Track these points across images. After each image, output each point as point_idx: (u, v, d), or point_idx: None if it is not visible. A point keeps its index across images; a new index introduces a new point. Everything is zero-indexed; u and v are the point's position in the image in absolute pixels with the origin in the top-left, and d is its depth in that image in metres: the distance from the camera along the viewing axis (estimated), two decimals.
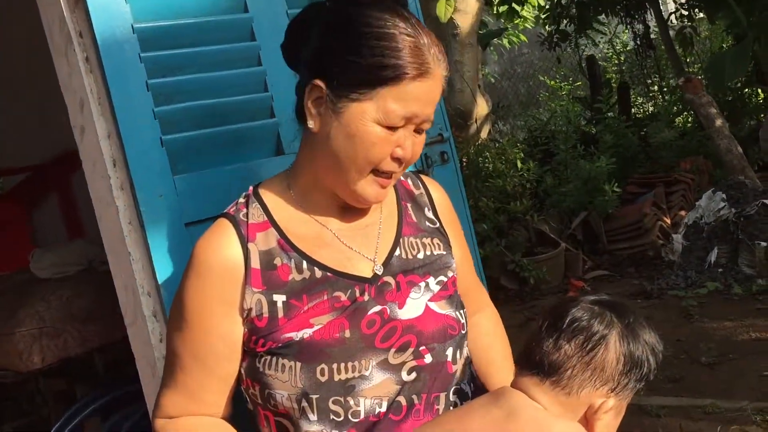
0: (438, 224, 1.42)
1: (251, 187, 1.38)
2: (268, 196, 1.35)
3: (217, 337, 1.27)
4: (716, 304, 4.67)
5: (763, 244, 4.76)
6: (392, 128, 1.23)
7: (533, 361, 1.17)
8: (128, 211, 1.56)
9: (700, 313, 4.57)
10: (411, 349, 1.26)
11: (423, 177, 1.49)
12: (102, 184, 1.57)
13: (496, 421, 1.13)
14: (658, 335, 1.25)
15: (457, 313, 1.34)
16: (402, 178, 1.43)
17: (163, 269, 1.55)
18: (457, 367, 1.32)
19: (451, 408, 1.29)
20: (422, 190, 1.45)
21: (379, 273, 1.30)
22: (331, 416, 1.22)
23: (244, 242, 1.29)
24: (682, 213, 6.03)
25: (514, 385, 1.20)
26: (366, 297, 1.27)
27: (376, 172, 1.26)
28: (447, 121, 2.17)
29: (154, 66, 1.56)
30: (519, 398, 1.17)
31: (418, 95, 1.21)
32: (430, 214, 1.42)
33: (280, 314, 1.24)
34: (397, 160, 1.26)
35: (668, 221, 6.07)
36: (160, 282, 1.55)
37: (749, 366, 3.58)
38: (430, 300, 1.31)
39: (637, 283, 5.39)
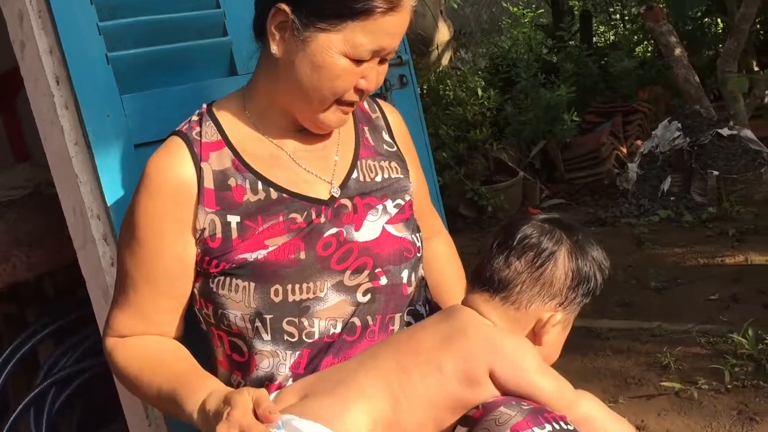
0: (395, 148, 1.41)
1: (204, 105, 1.34)
2: (223, 115, 1.31)
3: (170, 256, 1.25)
4: (667, 232, 4.78)
5: (715, 173, 4.86)
6: (359, 61, 1.21)
7: (484, 278, 1.19)
8: (74, 131, 1.50)
9: (651, 240, 4.68)
10: (367, 272, 1.26)
11: (379, 101, 1.46)
12: (45, 102, 1.50)
13: (445, 337, 1.14)
14: (610, 261, 1.27)
15: (414, 236, 1.34)
16: None
17: (113, 192, 1.51)
18: (412, 289, 1.32)
19: (400, 325, 1.29)
20: (379, 114, 1.42)
21: (336, 195, 1.28)
22: (285, 337, 1.23)
23: (197, 161, 1.26)
24: (638, 142, 6.11)
25: (464, 302, 1.22)
26: (322, 219, 1.26)
27: (339, 101, 1.25)
28: (407, 44, 2.13)
29: None
30: (468, 315, 1.19)
31: (387, 29, 1.19)
32: (387, 138, 1.40)
33: (234, 235, 1.23)
34: (360, 91, 1.25)
35: (624, 150, 6.15)
36: (109, 204, 1.51)
37: (696, 290, 3.70)
38: (387, 223, 1.31)
39: (592, 212, 5.49)
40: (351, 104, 1.27)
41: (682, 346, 3.02)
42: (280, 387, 1.23)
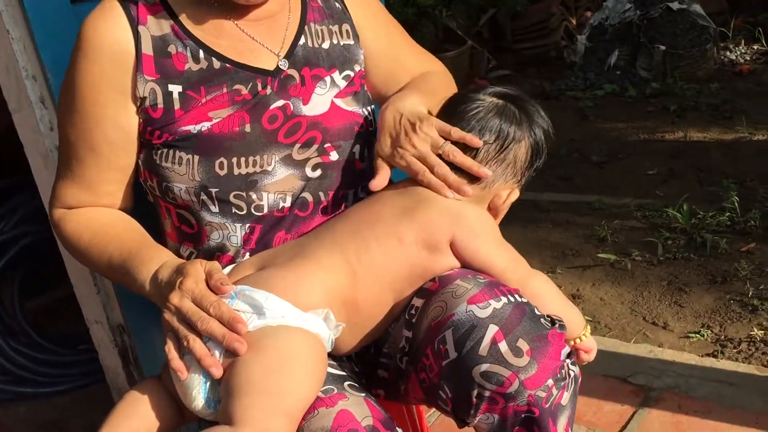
0: (342, 7, 1.32)
1: None
2: None
3: (112, 125, 1.18)
4: (611, 106, 4.84)
5: (662, 47, 4.87)
6: None
7: None
8: None
9: (595, 114, 4.73)
10: (315, 146, 1.22)
11: None
12: None
13: (406, 208, 1.13)
14: (555, 135, 1.27)
15: (364, 109, 1.29)
16: None
17: (49, 51, 1.41)
18: (366, 165, 1.28)
19: (354, 201, 1.26)
20: None
21: (283, 67, 1.20)
22: (233, 209, 1.19)
23: (134, 24, 1.16)
24: (588, 14, 6.04)
25: None
26: (268, 91, 1.19)
27: None
28: None
29: None
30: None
31: None
32: None
33: (176, 105, 1.16)
34: None
35: (574, 22, 6.08)
36: (46, 65, 1.41)
37: (635, 165, 3.79)
38: (335, 96, 1.25)
39: (537, 84, 5.48)
40: None
41: (620, 219, 3.12)
42: (232, 260, 1.21)
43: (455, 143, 1.16)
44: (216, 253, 1.22)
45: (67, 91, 1.19)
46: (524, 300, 1.05)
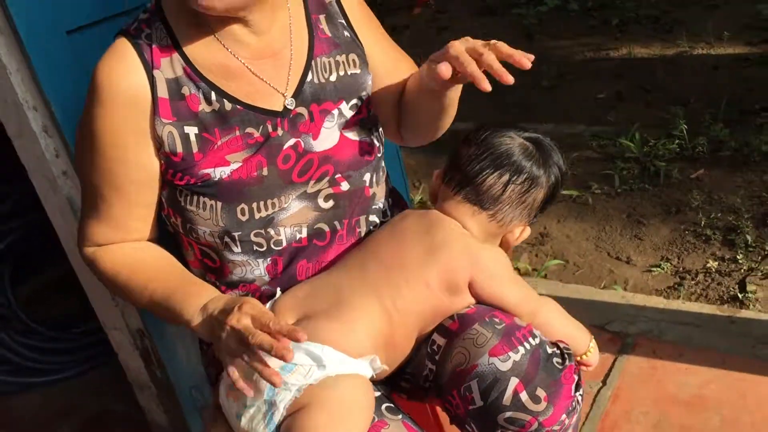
0: (351, 34, 1.34)
1: (153, 2, 1.23)
2: (172, 14, 1.21)
3: (134, 166, 1.21)
4: (555, 22, 4.90)
5: None
6: None
7: (474, 193, 1.25)
8: None
9: (540, 31, 4.79)
10: (327, 178, 1.27)
11: None
12: None
13: (429, 250, 1.22)
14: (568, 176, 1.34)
15: (372, 136, 1.34)
16: None
17: (49, 82, 1.41)
18: (374, 189, 1.34)
19: (372, 228, 1.34)
20: None
21: (291, 106, 1.24)
22: (254, 247, 1.26)
23: (149, 69, 1.18)
24: None
25: (446, 210, 1.28)
26: (279, 132, 1.23)
27: None
28: None
29: None
30: (449, 227, 1.26)
31: None
32: (343, 24, 1.34)
33: (195, 149, 1.20)
34: None
35: None
36: (47, 96, 1.42)
37: (584, 88, 3.91)
38: (344, 128, 1.29)
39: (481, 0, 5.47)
40: None
41: (577, 150, 3.26)
42: (257, 288, 1.29)
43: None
44: (240, 285, 1.30)
45: (86, 136, 1.22)
46: (536, 342, 1.16)
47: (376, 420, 1.14)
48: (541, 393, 1.13)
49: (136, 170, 1.22)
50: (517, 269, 2.57)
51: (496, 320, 1.19)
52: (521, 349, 1.15)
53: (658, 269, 2.44)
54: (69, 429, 2.11)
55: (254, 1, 1.17)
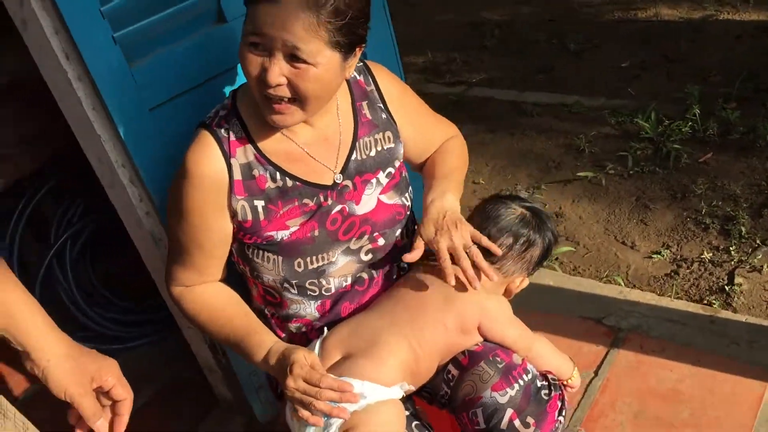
0: (387, 115, 1.63)
1: (230, 99, 1.52)
2: (245, 111, 1.50)
3: (213, 230, 1.54)
4: None
5: None
6: (255, 45, 1.36)
7: (484, 253, 1.52)
8: (90, 98, 1.64)
9: None
10: (367, 236, 1.59)
11: (370, 66, 1.64)
12: (58, 75, 1.61)
13: (446, 299, 1.54)
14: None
15: (403, 198, 1.64)
16: (356, 75, 1.61)
17: (135, 146, 1.70)
18: (405, 241, 1.66)
19: (401, 272, 1.67)
20: (372, 86, 1.61)
21: (339, 181, 1.55)
22: (309, 292, 1.59)
23: (227, 158, 1.49)
24: None
25: None
26: (329, 201, 1.53)
27: (265, 96, 1.40)
28: None
29: None
30: None
31: (264, 17, 1.34)
32: (381, 107, 1.62)
33: (261, 217, 1.52)
34: (267, 84, 1.36)
35: None
36: (133, 156, 1.72)
37: (609, 55, 4.08)
38: (380, 194, 1.60)
39: None
40: (277, 101, 1.40)
41: (596, 127, 3.48)
42: (309, 323, 1.63)
43: (480, 247, 1.54)
44: (293, 318, 1.64)
45: (176, 205, 1.54)
46: (529, 378, 1.49)
47: None
48: (530, 420, 1.47)
49: (215, 233, 1.55)
50: None
51: (498, 359, 1.52)
52: (516, 386, 1.48)
53: (658, 256, 2.73)
54: (148, 392, 2.54)
55: (314, 114, 1.46)
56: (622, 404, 2.08)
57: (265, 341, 1.55)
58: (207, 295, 1.63)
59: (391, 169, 1.62)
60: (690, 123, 3.27)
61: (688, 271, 2.64)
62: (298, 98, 1.40)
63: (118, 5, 1.58)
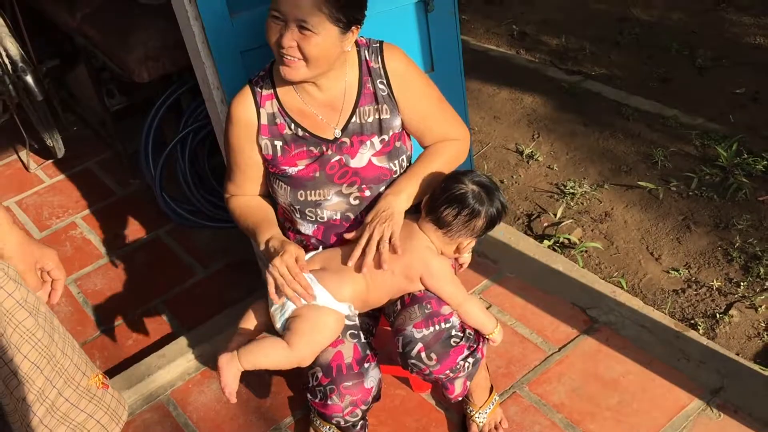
0: (387, 91, 2.03)
1: (269, 65, 2.03)
2: (276, 75, 1.99)
3: (248, 157, 2.07)
4: None
5: None
6: (275, 18, 1.79)
7: (436, 218, 1.96)
8: (201, 35, 2.22)
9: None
10: (356, 186, 1.99)
11: (384, 47, 2.03)
12: (182, 12, 2.21)
13: (402, 251, 1.98)
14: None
15: (391, 163, 2.00)
16: (366, 57, 2.02)
17: (226, 76, 2.28)
18: (387, 191, 2.07)
19: None
20: (379, 63, 2.02)
21: (338, 136, 2.01)
22: (307, 217, 2.08)
23: (257, 107, 2.01)
24: None
25: (420, 225, 2.01)
26: (329, 152, 1.97)
27: (280, 54, 1.83)
28: None
29: None
30: (421, 237, 1.99)
31: None
32: (383, 83, 2.02)
33: (279, 154, 2.03)
34: (282, 46, 1.80)
35: None
36: (223, 83, 2.31)
37: (731, 78, 4.14)
38: (373, 155, 1.99)
39: None
40: (289, 59, 1.83)
41: (679, 144, 3.65)
42: (308, 238, 2.11)
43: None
44: (298, 233, 2.14)
45: (226, 139, 2.10)
46: (446, 326, 1.91)
47: (340, 338, 2.00)
48: (433, 356, 1.91)
49: (249, 159, 2.08)
50: (567, 239, 3.21)
51: (427, 306, 1.96)
52: (432, 329, 1.92)
53: (676, 273, 2.97)
54: (222, 262, 3.21)
55: (318, 76, 1.93)
56: (567, 378, 2.46)
57: (272, 230, 2.05)
58: (242, 200, 2.19)
59: (385, 137, 2.03)
60: (765, 162, 3.39)
61: (694, 292, 2.88)
62: (303, 58, 1.85)
63: None
